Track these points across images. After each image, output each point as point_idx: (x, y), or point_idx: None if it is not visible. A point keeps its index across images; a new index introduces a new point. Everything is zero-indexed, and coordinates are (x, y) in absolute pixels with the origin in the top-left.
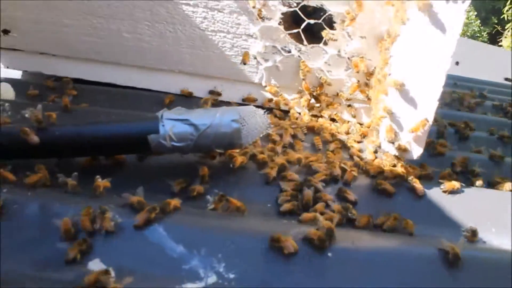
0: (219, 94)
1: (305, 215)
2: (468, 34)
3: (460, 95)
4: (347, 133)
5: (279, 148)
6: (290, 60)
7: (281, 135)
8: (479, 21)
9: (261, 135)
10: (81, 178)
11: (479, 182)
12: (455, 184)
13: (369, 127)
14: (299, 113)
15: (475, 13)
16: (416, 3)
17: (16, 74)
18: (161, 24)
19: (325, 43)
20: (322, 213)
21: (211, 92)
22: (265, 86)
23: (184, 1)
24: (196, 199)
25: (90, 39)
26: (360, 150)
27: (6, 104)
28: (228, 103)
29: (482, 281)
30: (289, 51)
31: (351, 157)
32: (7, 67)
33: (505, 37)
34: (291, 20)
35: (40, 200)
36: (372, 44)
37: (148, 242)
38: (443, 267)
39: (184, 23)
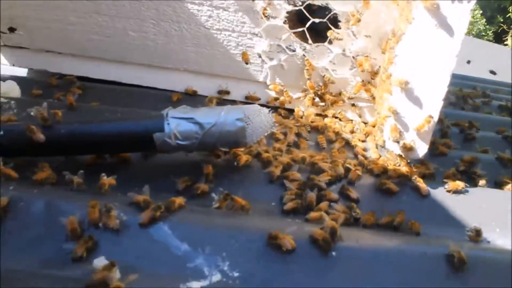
0: (228, 93)
1: (312, 214)
2: (474, 33)
3: (464, 94)
4: (352, 132)
5: (283, 147)
6: (295, 59)
7: (285, 134)
8: (484, 20)
9: (265, 134)
10: (86, 176)
11: (482, 182)
12: (459, 184)
13: (373, 126)
14: (303, 112)
15: (481, 11)
16: (422, 3)
17: (22, 72)
18: (166, 23)
19: (330, 42)
20: (327, 212)
21: (220, 92)
22: (269, 85)
23: (189, 0)
24: (201, 198)
25: (96, 37)
26: (365, 149)
27: (12, 102)
28: (233, 102)
29: (486, 281)
30: (294, 50)
31: (355, 156)
32: (13, 65)
33: (511, 36)
34: (296, 19)
35: (46, 198)
36: (377, 43)
37: (153, 240)
38: (447, 266)
39: (190, 21)
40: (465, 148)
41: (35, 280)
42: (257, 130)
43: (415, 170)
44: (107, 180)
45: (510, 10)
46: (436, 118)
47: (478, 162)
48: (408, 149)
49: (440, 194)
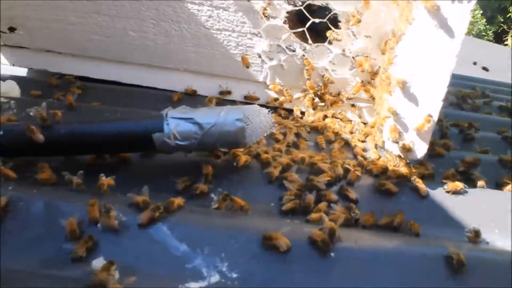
0: (229, 93)
1: (313, 215)
2: (474, 33)
3: (463, 94)
4: (351, 132)
5: (283, 147)
6: (294, 59)
7: (285, 134)
8: (484, 20)
9: (265, 134)
10: (86, 176)
11: (481, 183)
12: (458, 185)
13: (373, 127)
14: (303, 112)
15: (481, 11)
16: (422, 3)
17: (22, 72)
18: (166, 23)
19: (330, 42)
20: (326, 213)
21: (221, 93)
22: (269, 85)
23: (189, 0)
24: (200, 198)
25: (96, 37)
26: (364, 150)
27: (12, 102)
28: (232, 102)
29: (485, 282)
30: (294, 50)
31: (355, 156)
32: (13, 65)
33: (511, 36)
34: (296, 19)
35: (45, 198)
36: (376, 44)
37: (152, 240)
38: (446, 267)
39: (190, 21)
40: (465, 149)
41: (35, 280)
42: (256, 130)
43: (414, 170)
44: (106, 180)
45: (511, 10)
46: (435, 118)
47: (479, 163)
48: (407, 149)
49: (439, 194)
